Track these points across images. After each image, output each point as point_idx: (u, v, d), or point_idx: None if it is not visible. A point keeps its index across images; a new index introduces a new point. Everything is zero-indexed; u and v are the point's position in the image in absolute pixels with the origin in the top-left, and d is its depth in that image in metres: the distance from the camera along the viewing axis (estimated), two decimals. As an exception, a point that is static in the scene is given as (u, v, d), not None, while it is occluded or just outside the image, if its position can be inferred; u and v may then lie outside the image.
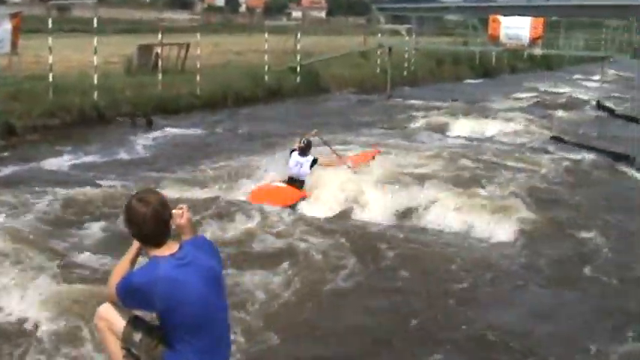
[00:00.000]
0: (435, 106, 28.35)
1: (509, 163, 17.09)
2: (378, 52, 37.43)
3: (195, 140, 20.07)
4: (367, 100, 31.54)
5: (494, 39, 30.74)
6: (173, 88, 25.59)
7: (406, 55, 39.45)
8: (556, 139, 21.08)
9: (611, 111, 28.28)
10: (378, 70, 37.19)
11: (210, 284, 4.65)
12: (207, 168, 15.43)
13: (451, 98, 32.22)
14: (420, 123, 23.98)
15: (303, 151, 13.23)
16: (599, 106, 28.71)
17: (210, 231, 10.31)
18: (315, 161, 13.28)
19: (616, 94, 36.57)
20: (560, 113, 28.11)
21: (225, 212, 11.22)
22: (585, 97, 34.47)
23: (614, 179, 16.43)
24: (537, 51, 32.38)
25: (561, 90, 38.80)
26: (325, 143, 14.76)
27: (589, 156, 18.57)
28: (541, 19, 30.61)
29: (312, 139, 13.71)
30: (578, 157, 18.45)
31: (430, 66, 43.29)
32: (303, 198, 12.79)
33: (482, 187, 13.92)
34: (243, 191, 12.94)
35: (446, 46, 44.62)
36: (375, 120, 25.00)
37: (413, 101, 30.96)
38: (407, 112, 26.70)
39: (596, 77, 46.45)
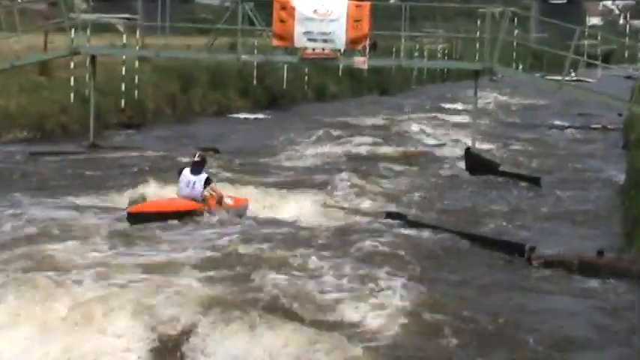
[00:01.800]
0: (176, 164, 27.63)
1: (311, 266, 16.77)
2: (73, 65, 37.22)
3: None
4: (49, 153, 30.82)
5: (285, 40, 30.74)
6: None
7: (125, 71, 39.57)
8: (394, 217, 21.48)
9: (489, 166, 29.20)
10: (72, 99, 37.00)
11: None
12: None
13: (207, 148, 31.97)
14: (150, 197, 23.07)
15: (197, 166, 19.13)
16: (470, 157, 29.50)
17: None
18: (208, 180, 19.29)
19: (499, 136, 38.41)
20: (398, 172, 29.03)
21: None
22: (445, 142, 36.04)
23: (498, 290, 16.57)
24: (361, 62, 32.47)
25: (404, 130, 40.15)
26: None
27: (450, 245, 18.98)
28: (367, 5, 30.60)
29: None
30: (432, 246, 18.80)
31: (171, 90, 44.05)
32: (200, 210, 18.90)
33: (272, 309, 13.90)
34: None
35: (199, 53, 44.41)
36: (71, 191, 24.04)
37: (136, 155, 30.77)
38: (123, 180, 26.02)
39: (467, 107, 48.15)
